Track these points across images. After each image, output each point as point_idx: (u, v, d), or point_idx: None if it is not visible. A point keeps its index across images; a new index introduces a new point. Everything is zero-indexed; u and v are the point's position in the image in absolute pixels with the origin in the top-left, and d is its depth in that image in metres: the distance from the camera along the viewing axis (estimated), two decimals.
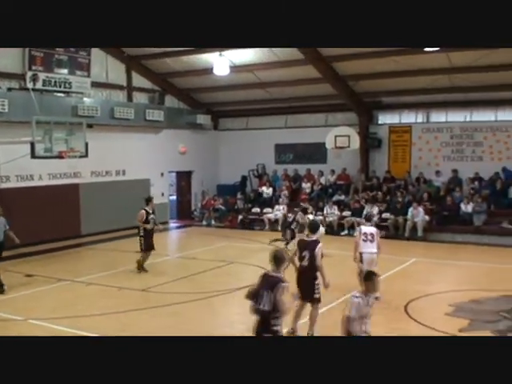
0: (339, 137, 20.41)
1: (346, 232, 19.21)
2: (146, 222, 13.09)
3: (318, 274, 8.20)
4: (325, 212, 19.94)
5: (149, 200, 13.66)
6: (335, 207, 20.06)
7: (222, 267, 14.08)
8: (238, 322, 10.02)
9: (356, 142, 20.33)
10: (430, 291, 11.24)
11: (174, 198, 23.83)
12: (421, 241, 17.65)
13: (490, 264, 14.29)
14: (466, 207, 18.22)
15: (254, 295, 6.08)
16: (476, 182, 19.38)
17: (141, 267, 13.14)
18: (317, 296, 8.22)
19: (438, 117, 20.83)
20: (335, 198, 20.85)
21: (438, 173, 20.25)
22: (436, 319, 9.39)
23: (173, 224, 22.20)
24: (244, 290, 11.50)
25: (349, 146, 20.33)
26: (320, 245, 8.27)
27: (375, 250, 10.61)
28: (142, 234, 13.15)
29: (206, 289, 11.61)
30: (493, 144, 19.70)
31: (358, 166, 21.55)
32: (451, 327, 8.86)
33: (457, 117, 20.43)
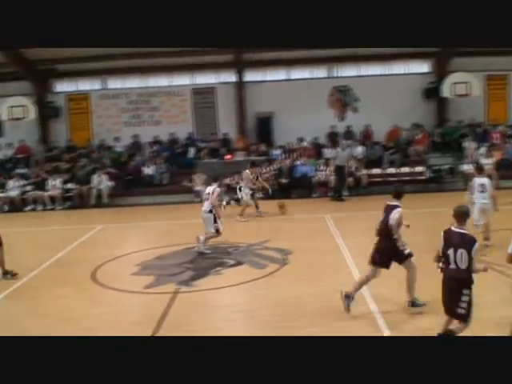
0: (14, 107, 19.43)
1: (30, 207, 18.27)
2: None
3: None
4: (10, 186, 18.52)
5: None
6: (21, 181, 18.78)
7: None
8: None
9: (32, 111, 19.52)
10: (117, 255, 11.48)
11: None
12: (107, 207, 17.84)
13: (173, 221, 15.27)
14: (148, 170, 19.07)
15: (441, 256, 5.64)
16: (156, 146, 20.34)
17: None
18: (405, 252, 7.33)
19: (115, 83, 21.06)
20: (17, 172, 19.52)
21: (117, 139, 20.62)
22: (123, 281, 9.66)
23: None
24: None
25: (26, 117, 19.54)
26: (398, 210, 7.36)
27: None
28: None
29: None
30: (169, 108, 20.85)
31: (37, 137, 20.57)
32: (137, 285, 9.24)
33: (133, 83, 20.96)
